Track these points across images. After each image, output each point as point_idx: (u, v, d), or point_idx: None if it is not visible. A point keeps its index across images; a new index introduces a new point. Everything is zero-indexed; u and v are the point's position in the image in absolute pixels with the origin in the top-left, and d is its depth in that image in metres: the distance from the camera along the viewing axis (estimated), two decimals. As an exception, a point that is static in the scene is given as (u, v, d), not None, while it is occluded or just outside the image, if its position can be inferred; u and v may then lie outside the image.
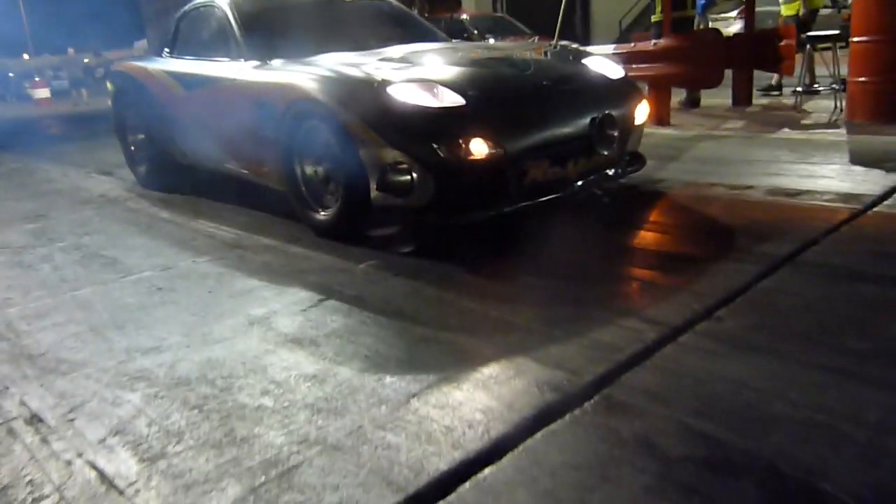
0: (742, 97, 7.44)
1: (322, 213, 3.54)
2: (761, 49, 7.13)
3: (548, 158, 3.20)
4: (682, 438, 1.63)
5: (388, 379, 2.02)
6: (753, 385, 1.83)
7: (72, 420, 1.94)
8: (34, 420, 1.96)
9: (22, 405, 2.06)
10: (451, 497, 1.48)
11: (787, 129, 5.74)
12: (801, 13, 8.07)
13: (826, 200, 3.49)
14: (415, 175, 3.01)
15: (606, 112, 3.37)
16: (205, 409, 1.93)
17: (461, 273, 2.94)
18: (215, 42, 4.39)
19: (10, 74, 31.07)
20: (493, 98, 3.23)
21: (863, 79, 5.69)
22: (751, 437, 1.60)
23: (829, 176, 3.99)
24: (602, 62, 3.98)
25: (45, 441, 1.84)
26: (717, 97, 7.65)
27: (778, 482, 1.44)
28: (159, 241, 3.79)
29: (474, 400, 1.86)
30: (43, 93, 25.38)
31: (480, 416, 1.77)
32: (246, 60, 3.98)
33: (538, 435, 1.68)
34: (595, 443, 1.63)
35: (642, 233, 3.40)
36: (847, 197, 3.49)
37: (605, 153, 3.37)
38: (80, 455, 1.76)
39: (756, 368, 1.92)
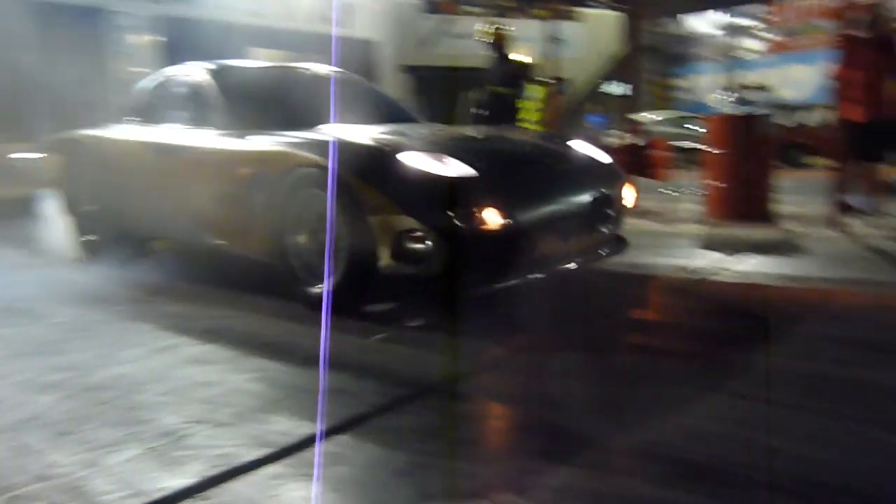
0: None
1: (318, 285, 3.34)
2: (635, 157, 8.12)
3: (555, 233, 3.31)
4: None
5: (270, 384, 2.44)
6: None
7: (-8, 411, 2.26)
8: (-43, 412, 2.26)
9: (-55, 403, 2.35)
10: (308, 450, 1.91)
11: (647, 221, 6.55)
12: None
13: (659, 271, 4.17)
14: (429, 243, 3.04)
15: (604, 191, 3.56)
16: (112, 404, 2.29)
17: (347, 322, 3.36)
18: (193, 111, 4.34)
19: None
20: (501, 171, 3.35)
21: (716, 183, 6.60)
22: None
23: (676, 256, 4.69)
24: (587, 146, 4.13)
25: (-32, 424, 2.16)
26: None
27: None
28: (74, 296, 4.06)
29: (343, 394, 2.29)
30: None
31: (347, 402, 2.21)
32: (231, 129, 3.93)
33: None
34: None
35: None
36: (679, 269, 4.18)
37: (605, 231, 3.57)
38: (2, 433, 2.08)
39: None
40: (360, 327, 3.13)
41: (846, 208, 5.83)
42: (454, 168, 3.15)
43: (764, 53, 17.17)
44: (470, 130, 4.36)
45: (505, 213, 3.06)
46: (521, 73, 7.74)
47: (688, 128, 14.21)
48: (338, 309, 3.16)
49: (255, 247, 3.73)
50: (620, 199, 3.81)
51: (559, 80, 14.69)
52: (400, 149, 3.27)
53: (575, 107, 17.71)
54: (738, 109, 7.22)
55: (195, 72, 4.52)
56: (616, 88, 19.04)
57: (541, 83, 10.11)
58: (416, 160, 3.18)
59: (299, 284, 3.45)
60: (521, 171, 3.46)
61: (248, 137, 3.78)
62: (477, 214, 3.01)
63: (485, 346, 2.83)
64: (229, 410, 2.19)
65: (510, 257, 3.12)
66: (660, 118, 16.01)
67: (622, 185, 3.86)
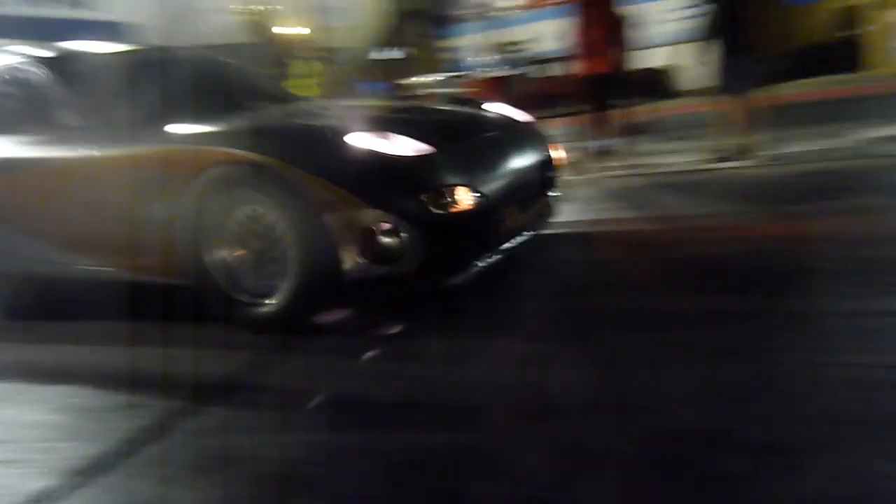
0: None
1: (266, 302, 2.86)
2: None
3: (515, 204, 3.13)
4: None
5: (71, 412, 2.42)
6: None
7: None
8: None
9: None
10: (115, 469, 1.95)
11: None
12: None
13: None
14: (403, 235, 2.67)
15: (546, 154, 3.47)
16: None
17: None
18: (33, 115, 3.51)
19: None
20: (456, 144, 3.06)
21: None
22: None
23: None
24: (504, 107, 3.87)
25: None
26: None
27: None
28: None
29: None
30: None
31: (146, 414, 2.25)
32: (101, 131, 3.20)
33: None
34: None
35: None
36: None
37: (554, 194, 3.50)
38: None
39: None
40: (346, 346, 2.83)
41: (597, 151, 6.58)
42: (409, 146, 2.82)
43: (520, 10, 18.27)
44: (381, 103, 4.11)
45: (474, 189, 2.81)
46: (286, 51, 7.73)
47: (459, 88, 14.85)
48: (289, 325, 2.84)
49: (159, 269, 3.07)
50: (556, 159, 3.65)
51: (332, 50, 14.72)
52: (345, 130, 2.82)
53: (350, 76, 17.85)
54: (501, 68, 7.73)
55: (16, 67, 3.60)
56: (388, 54, 19.38)
57: (312, 57, 10.14)
58: (366, 141, 2.78)
59: (235, 306, 2.91)
60: (469, 142, 3.20)
61: (130, 138, 3.11)
62: (448, 196, 2.72)
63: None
64: (28, 446, 2.15)
65: (484, 237, 2.93)
66: (432, 81, 16.54)
67: (550, 144, 3.69)
